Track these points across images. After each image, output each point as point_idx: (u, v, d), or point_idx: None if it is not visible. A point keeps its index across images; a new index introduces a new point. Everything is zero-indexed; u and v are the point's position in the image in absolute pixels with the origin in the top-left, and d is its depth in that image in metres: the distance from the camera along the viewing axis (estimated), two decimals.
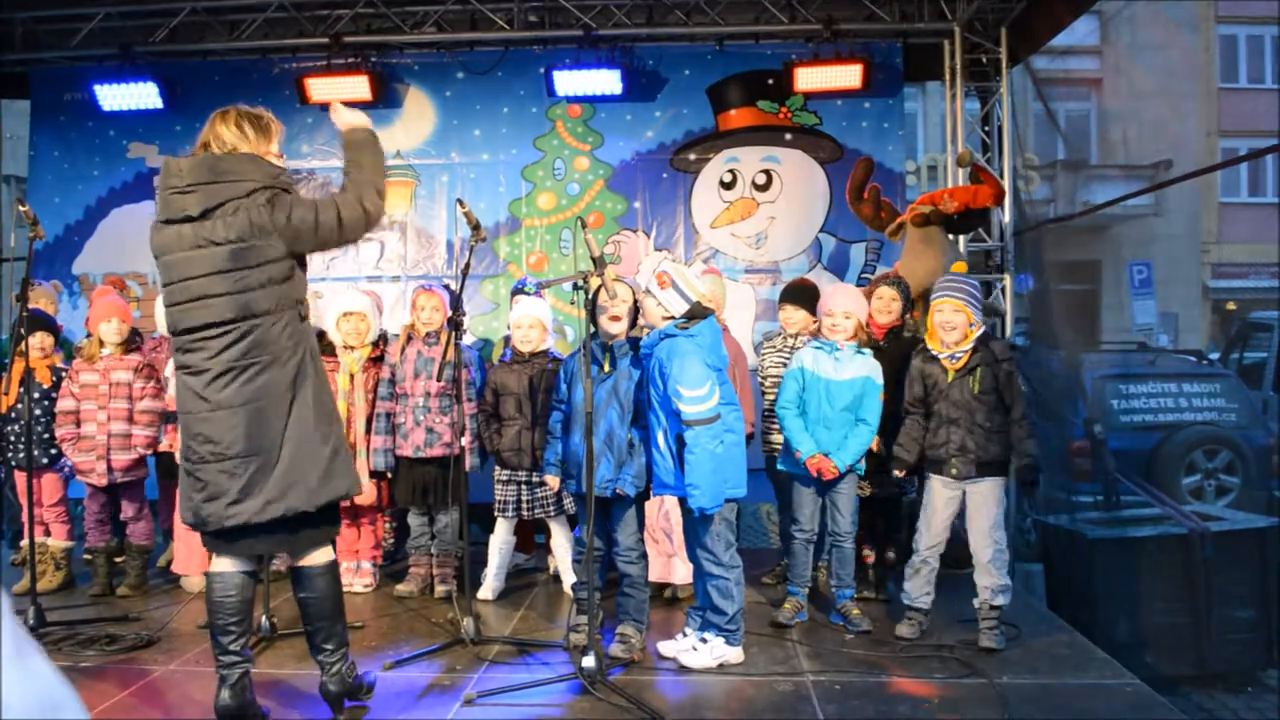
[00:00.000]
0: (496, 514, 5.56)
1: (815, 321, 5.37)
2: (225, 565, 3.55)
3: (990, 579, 4.73)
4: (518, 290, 6.22)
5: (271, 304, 3.43)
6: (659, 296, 4.38)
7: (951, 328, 4.79)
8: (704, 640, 4.51)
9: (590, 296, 4.11)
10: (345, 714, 3.77)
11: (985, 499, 4.75)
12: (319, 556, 3.64)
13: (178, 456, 3.66)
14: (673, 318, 4.38)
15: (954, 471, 4.76)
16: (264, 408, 3.41)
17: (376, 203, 3.53)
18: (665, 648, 4.62)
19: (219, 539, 3.50)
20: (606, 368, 4.56)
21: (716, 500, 4.27)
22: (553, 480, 4.88)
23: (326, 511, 3.58)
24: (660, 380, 4.33)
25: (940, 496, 4.84)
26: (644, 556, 4.74)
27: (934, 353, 4.85)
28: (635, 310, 4.68)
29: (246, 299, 3.39)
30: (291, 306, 3.49)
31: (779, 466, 5.19)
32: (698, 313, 4.38)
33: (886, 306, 5.48)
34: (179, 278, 3.42)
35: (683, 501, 4.43)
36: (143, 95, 7.61)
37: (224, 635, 3.52)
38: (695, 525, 4.45)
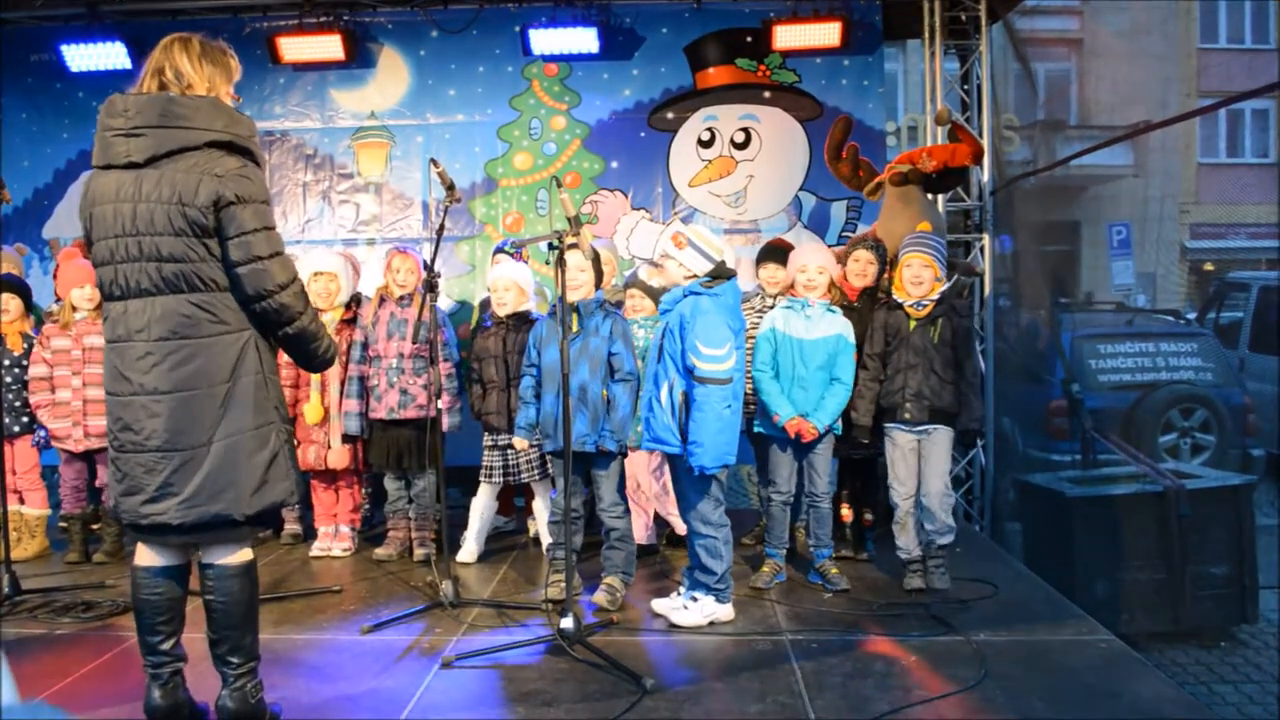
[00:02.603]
0: (482, 479, 5.55)
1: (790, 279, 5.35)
2: (151, 559, 3.20)
3: (935, 522, 4.93)
4: (499, 251, 6.17)
5: (217, 278, 3.05)
6: (679, 257, 4.43)
7: (919, 281, 4.96)
8: (694, 599, 4.53)
9: (559, 257, 4.08)
10: None
11: (938, 446, 4.95)
12: (236, 555, 3.21)
13: None
14: (695, 276, 4.41)
15: (908, 415, 4.95)
16: (194, 398, 3.02)
17: (297, 319, 3.17)
18: (658, 605, 4.66)
19: (139, 532, 3.16)
20: (575, 327, 4.60)
21: (717, 461, 4.32)
22: (520, 443, 4.97)
23: (258, 517, 3.21)
24: (679, 336, 4.34)
25: (900, 445, 5.01)
26: (628, 511, 4.81)
27: (899, 300, 5.01)
28: (599, 271, 4.77)
29: (188, 269, 3.00)
30: None
31: (756, 429, 5.19)
32: (722, 273, 4.42)
33: (863, 270, 5.46)
34: (113, 233, 3.01)
35: (675, 460, 4.45)
36: (110, 55, 7.45)
37: (152, 635, 3.19)
38: (687, 485, 4.48)
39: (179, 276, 3.01)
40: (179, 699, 3.27)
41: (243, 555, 3.23)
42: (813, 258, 5.13)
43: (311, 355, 3.33)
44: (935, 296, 4.95)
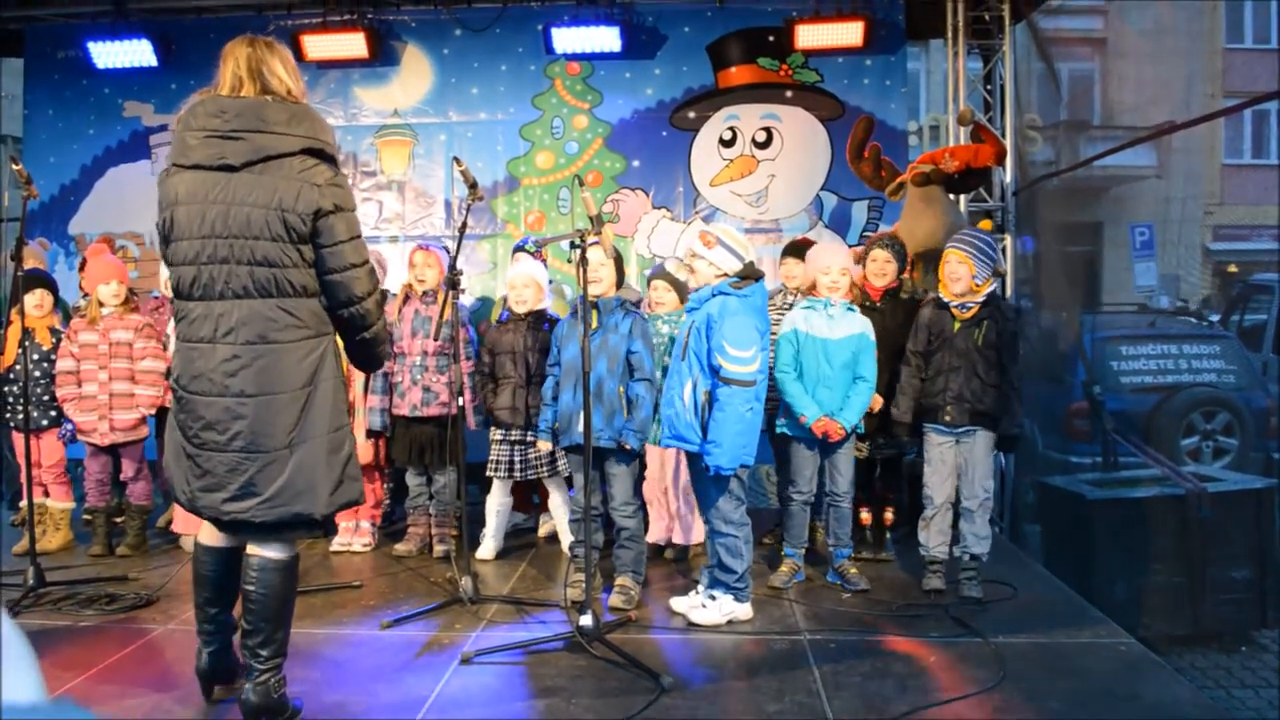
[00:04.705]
0: (490, 474, 5.57)
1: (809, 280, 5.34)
2: (213, 540, 3.35)
3: (974, 526, 4.87)
4: (519, 249, 6.19)
5: (305, 283, 3.11)
6: (709, 256, 4.42)
7: (956, 278, 4.88)
8: (713, 597, 4.54)
9: (581, 255, 4.10)
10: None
11: (978, 450, 4.87)
12: (281, 550, 3.28)
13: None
14: (726, 275, 4.40)
15: (948, 418, 4.87)
16: (277, 400, 3.08)
17: (375, 325, 3.29)
18: (676, 604, 4.67)
19: (216, 525, 3.26)
20: (594, 324, 4.61)
21: (734, 462, 4.31)
22: (544, 445, 4.99)
23: (331, 515, 3.31)
24: (705, 335, 4.34)
25: (938, 447, 4.95)
26: (640, 510, 4.83)
27: (945, 300, 4.93)
28: (620, 270, 4.79)
29: (279, 274, 3.05)
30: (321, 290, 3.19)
31: (779, 429, 5.18)
32: (750, 273, 4.41)
33: (881, 269, 5.45)
34: (199, 234, 3.04)
35: (695, 458, 4.45)
36: (137, 52, 7.54)
37: (209, 606, 3.38)
38: (707, 483, 4.48)
39: (270, 281, 3.06)
40: (227, 662, 3.48)
41: (287, 550, 3.30)
42: (835, 258, 5.10)
43: (375, 358, 3.47)
44: (981, 299, 4.86)
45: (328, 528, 3.44)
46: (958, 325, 4.88)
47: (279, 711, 3.32)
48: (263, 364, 3.07)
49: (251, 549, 3.27)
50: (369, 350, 3.38)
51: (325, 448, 3.18)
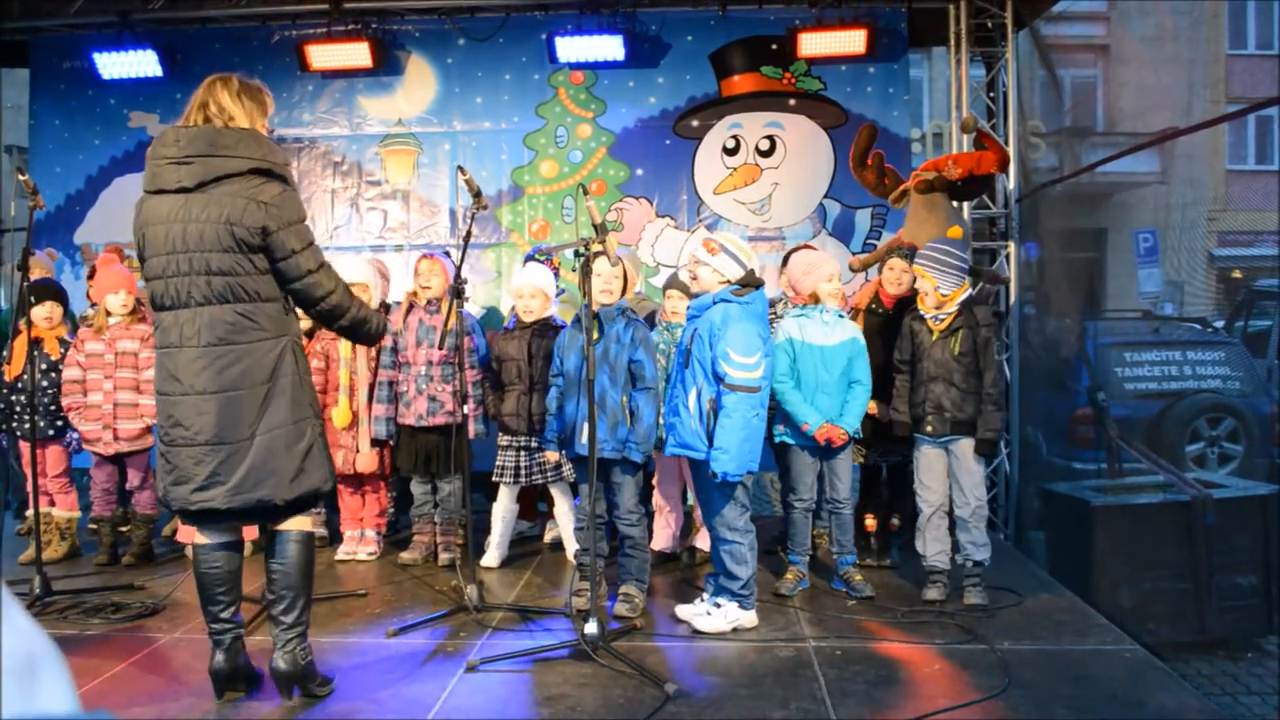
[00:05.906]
0: (496, 479, 5.58)
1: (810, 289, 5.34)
2: (208, 538, 3.56)
3: (971, 535, 4.89)
4: (530, 259, 6.20)
5: (260, 289, 3.39)
6: (713, 263, 4.45)
7: (924, 293, 4.99)
8: (718, 605, 4.55)
9: (585, 264, 4.12)
10: (295, 701, 3.64)
11: (966, 457, 4.91)
12: (295, 524, 3.58)
13: None
14: (729, 282, 4.42)
15: (929, 429, 4.93)
16: (238, 397, 3.36)
17: (348, 312, 3.60)
18: (681, 611, 4.68)
19: (189, 516, 3.51)
20: (596, 334, 4.62)
21: (740, 468, 4.32)
22: (552, 455, 5.02)
23: (298, 501, 3.52)
24: (708, 343, 4.35)
25: (927, 454, 5.00)
26: (644, 518, 4.84)
27: (921, 313, 5.01)
28: (625, 279, 4.80)
29: (234, 282, 3.34)
30: (279, 295, 3.47)
31: (778, 438, 5.18)
32: (751, 281, 4.43)
33: (898, 278, 5.50)
34: (164, 251, 3.34)
35: (700, 465, 4.46)
36: (142, 63, 7.56)
37: (213, 605, 3.57)
38: (712, 490, 4.49)
39: (227, 288, 3.35)
40: (239, 662, 3.66)
41: (302, 525, 3.61)
42: (832, 265, 5.21)
43: (366, 335, 3.79)
44: (953, 309, 4.93)
45: (305, 506, 3.58)
46: (934, 336, 4.95)
47: (309, 678, 3.63)
48: (223, 363, 3.35)
49: (272, 526, 3.58)
50: (354, 332, 3.73)
51: (286, 439, 3.43)
